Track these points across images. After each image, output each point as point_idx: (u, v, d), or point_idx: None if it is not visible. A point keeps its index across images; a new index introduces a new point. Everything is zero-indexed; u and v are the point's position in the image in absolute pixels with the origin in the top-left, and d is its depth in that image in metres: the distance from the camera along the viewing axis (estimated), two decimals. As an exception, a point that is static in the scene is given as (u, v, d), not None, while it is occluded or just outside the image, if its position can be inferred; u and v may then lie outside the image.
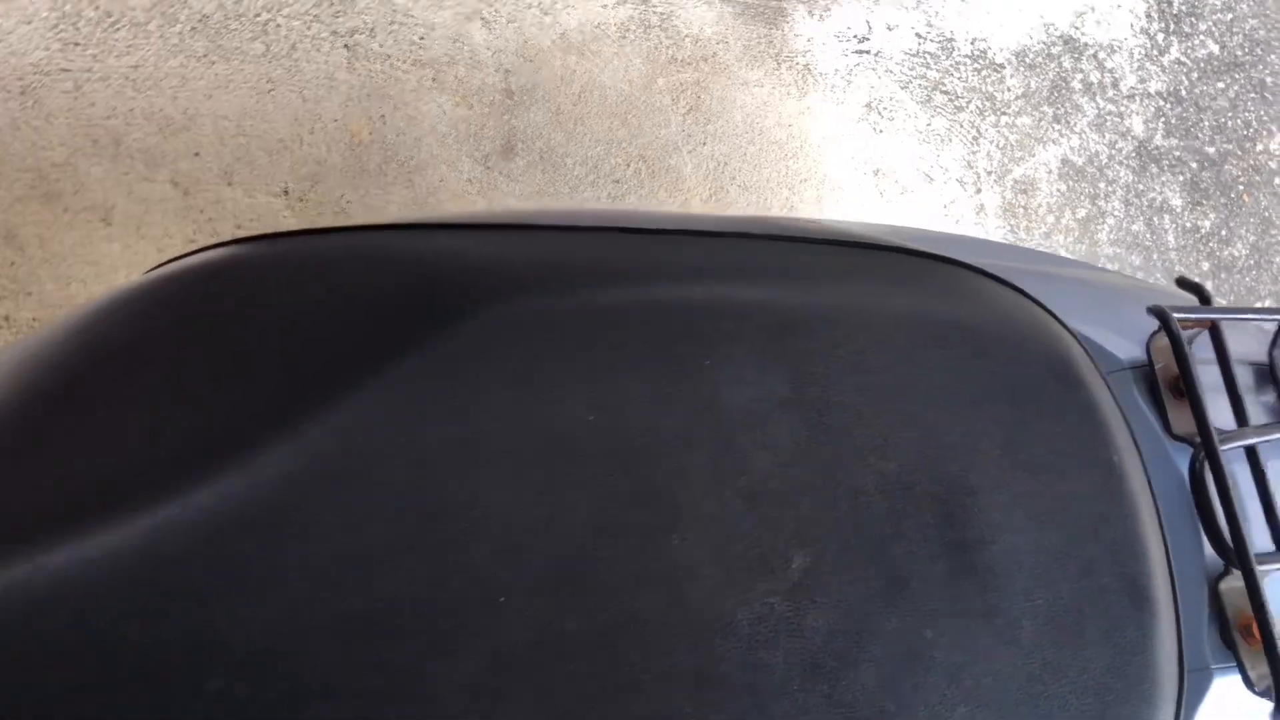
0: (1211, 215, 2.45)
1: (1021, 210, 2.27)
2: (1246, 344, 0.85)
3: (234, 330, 0.65)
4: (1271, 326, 0.83)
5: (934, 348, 0.68)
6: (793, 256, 0.71)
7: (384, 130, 1.84)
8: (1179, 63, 2.48)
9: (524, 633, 0.58)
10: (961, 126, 2.26)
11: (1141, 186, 2.39)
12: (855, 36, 2.21)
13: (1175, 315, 0.73)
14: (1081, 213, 2.32)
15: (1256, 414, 0.78)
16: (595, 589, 0.59)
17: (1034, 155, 2.30)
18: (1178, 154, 2.44)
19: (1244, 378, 0.82)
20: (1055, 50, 2.37)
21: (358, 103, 1.82)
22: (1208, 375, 0.76)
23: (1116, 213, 2.34)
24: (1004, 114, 2.30)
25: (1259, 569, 0.69)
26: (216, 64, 1.74)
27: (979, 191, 2.24)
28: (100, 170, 1.64)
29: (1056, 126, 2.34)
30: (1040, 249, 2.21)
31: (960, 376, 0.68)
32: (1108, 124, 2.39)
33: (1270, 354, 0.82)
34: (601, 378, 0.63)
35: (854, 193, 2.14)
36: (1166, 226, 2.39)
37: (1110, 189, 2.35)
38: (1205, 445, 0.71)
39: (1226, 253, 2.46)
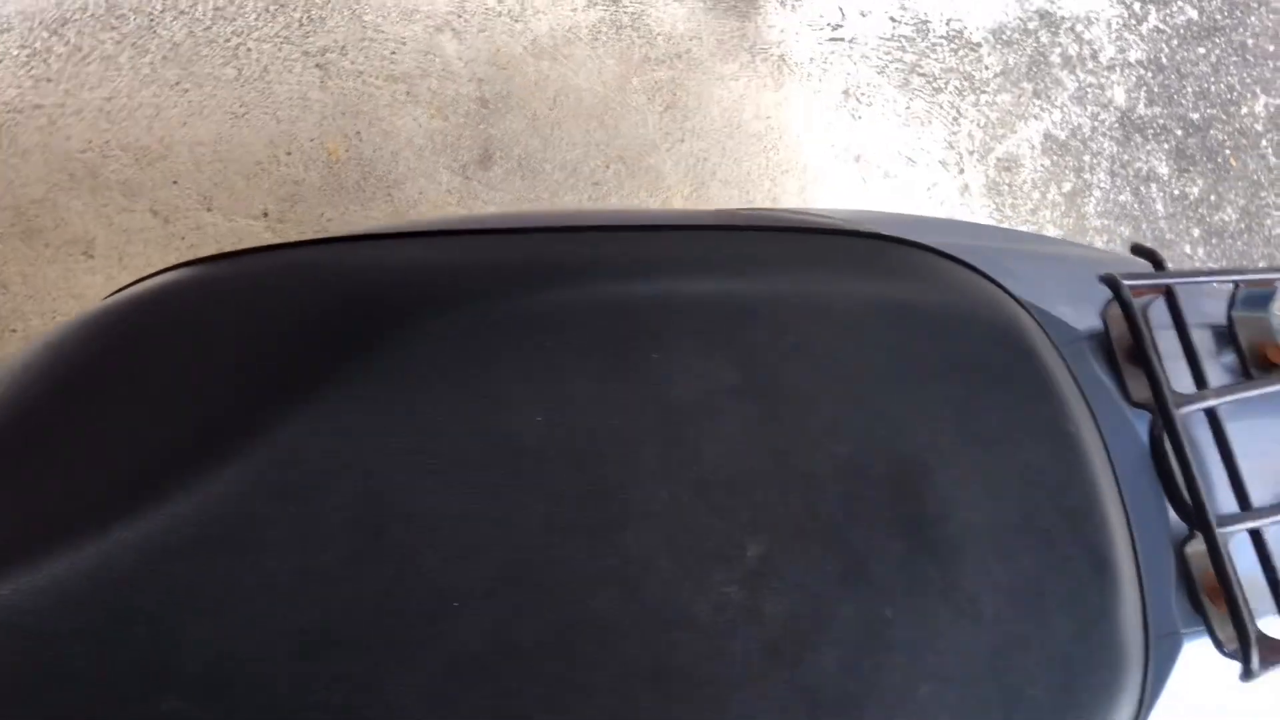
0: (1199, 181, 2.43)
1: (1006, 188, 2.26)
2: (1206, 307, 0.84)
3: (180, 353, 0.65)
4: (1229, 288, 0.82)
5: (884, 328, 0.68)
6: (739, 246, 0.71)
7: (360, 146, 1.84)
8: (1158, 30, 2.47)
9: (480, 637, 0.58)
10: (941, 108, 2.25)
11: (1127, 157, 2.38)
12: (829, 24, 2.20)
13: (1127, 282, 0.72)
14: (1067, 187, 2.31)
15: (1218, 376, 0.78)
16: (549, 589, 0.59)
17: (1016, 132, 2.30)
18: (1162, 122, 2.43)
19: (1204, 341, 0.81)
20: (1032, 25, 2.36)
21: (333, 121, 1.83)
22: (1167, 340, 0.76)
23: (1103, 184, 2.33)
24: (983, 93, 2.29)
25: (1222, 530, 0.69)
26: (190, 91, 1.75)
27: (962, 172, 2.24)
28: (79, 203, 1.65)
29: (1037, 102, 2.33)
30: (1008, 226, 2.20)
31: (911, 356, 0.67)
32: (1089, 96, 2.38)
33: (1229, 315, 0.82)
34: (548, 379, 0.63)
35: (836, 181, 2.14)
36: (1154, 195, 2.37)
37: (1095, 161, 2.34)
38: (1160, 409, 0.70)
39: (1217, 218, 2.44)
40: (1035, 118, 2.32)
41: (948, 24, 2.30)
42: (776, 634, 0.61)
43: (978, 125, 2.27)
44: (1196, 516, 0.69)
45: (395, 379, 0.61)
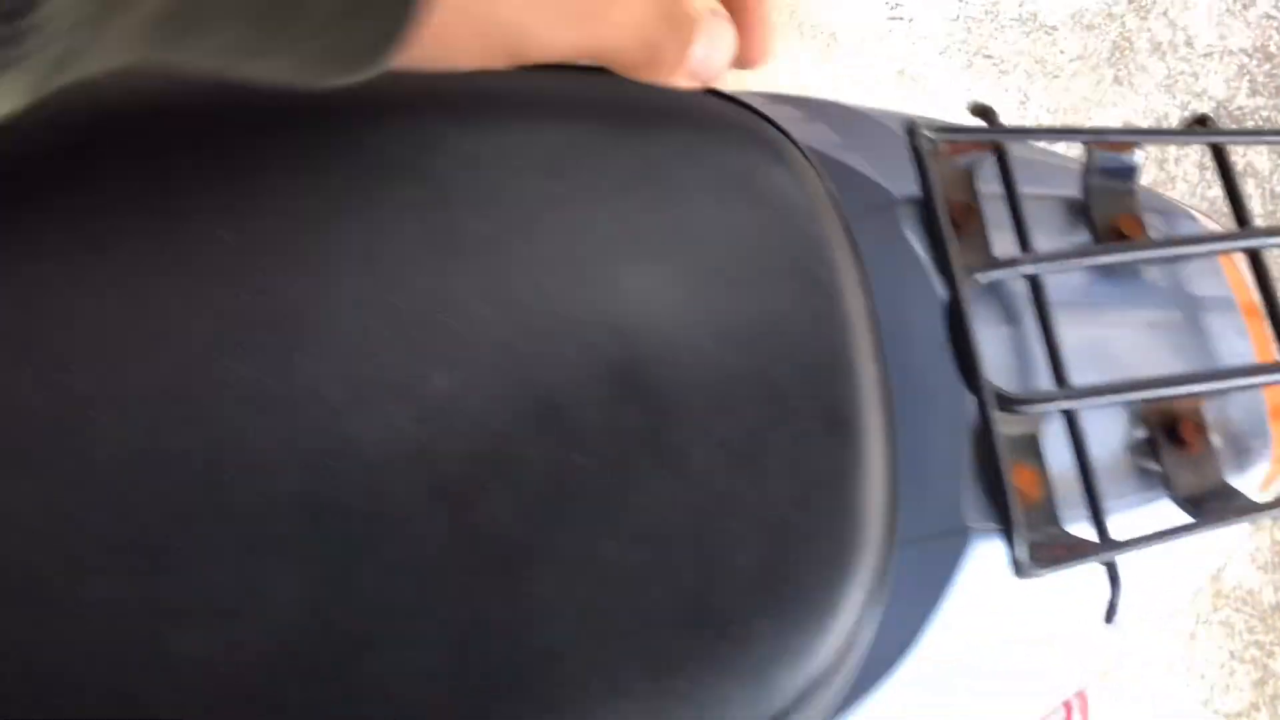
0: (1308, 179, 2.21)
1: (1075, 177, 2.10)
2: (1067, 179, 0.73)
3: None
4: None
5: (621, 169, 0.61)
6: (495, 81, 0.66)
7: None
8: (1268, 16, 2.27)
9: (111, 448, 0.54)
10: (1007, 91, 2.12)
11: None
12: (886, 3, 2.11)
13: (941, 136, 0.63)
14: (1146, 179, 2.13)
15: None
16: (198, 407, 0.55)
17: (1091, 119, 2.14)
18: (1265, 113, 2.22)
19: (1055, 213, 0.70)
20: (1117, 10, 2.21)
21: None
22: (1002, 211, 0.66)
23: (1189, 178, 2.15)
24: (1056, 77, 2.15)
25: (1012, 411, 0.58)
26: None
27: (1026, 158, 2.10)
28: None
29: (1118, 89, 2.17)
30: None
31: (649, 198, 0.60)
32: (1179, 84, 2.20)
33: (1084, 183, 0.71)
34: (241, 200, 0.59)
35: (882, 162, 2.04)
36: (1250, 192, 2.17)
37: (1181, 153, 2.16)
38: (942, 271, 0.60)
39: (1328, 219, 2.21)
40: (1114, 105, 2.16)
41: (1020, 6, 2.17)
42: (446, 474, 0.55)
43: (1047, 110, 2.12)
44: (970, 390, 0.58)
45: (66, 186, 0.58)
